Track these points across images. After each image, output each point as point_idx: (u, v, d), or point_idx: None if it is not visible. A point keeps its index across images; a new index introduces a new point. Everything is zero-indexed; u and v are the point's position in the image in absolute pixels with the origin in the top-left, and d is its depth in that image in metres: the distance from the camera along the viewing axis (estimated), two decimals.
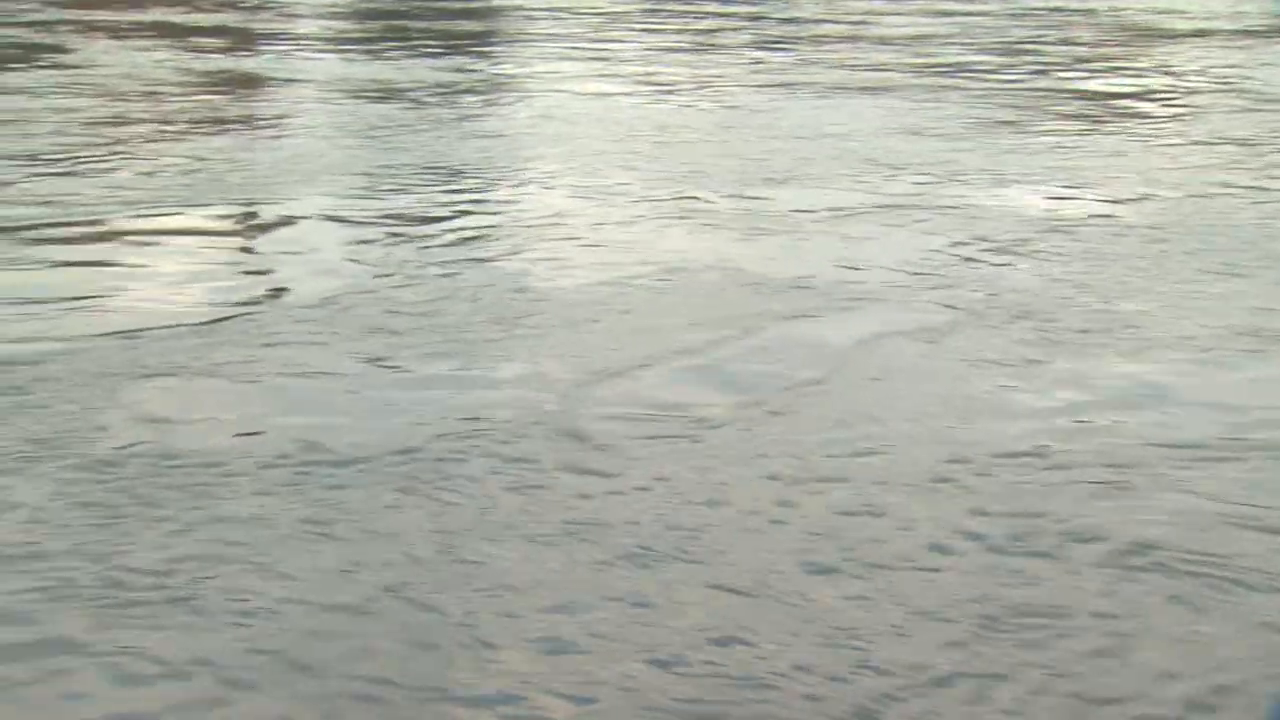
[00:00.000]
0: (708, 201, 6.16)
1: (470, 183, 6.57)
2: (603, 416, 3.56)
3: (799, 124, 8.22)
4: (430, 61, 10.86)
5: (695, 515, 3.02)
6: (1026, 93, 9.79)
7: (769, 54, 11.86)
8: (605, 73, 10.57)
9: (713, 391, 3.78)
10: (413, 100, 8.85)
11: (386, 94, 9.06)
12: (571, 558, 2.81)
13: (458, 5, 15.79)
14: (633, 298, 4.66)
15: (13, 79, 8.74)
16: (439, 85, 9.54)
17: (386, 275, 4.88)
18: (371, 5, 15.99)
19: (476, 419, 3.52)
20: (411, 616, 2.57)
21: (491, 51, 12.18)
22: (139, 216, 5.71)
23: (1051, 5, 16.83)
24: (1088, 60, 11.90)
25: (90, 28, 11.49)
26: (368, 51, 11.75)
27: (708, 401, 3.69)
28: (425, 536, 2.88)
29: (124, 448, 3.29)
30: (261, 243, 5.53)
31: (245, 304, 4.55)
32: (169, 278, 4.88)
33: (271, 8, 15.05)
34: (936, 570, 2.78)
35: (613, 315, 4.46)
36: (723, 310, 4.52)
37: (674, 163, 7.00)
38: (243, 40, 12.28)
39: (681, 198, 6.21)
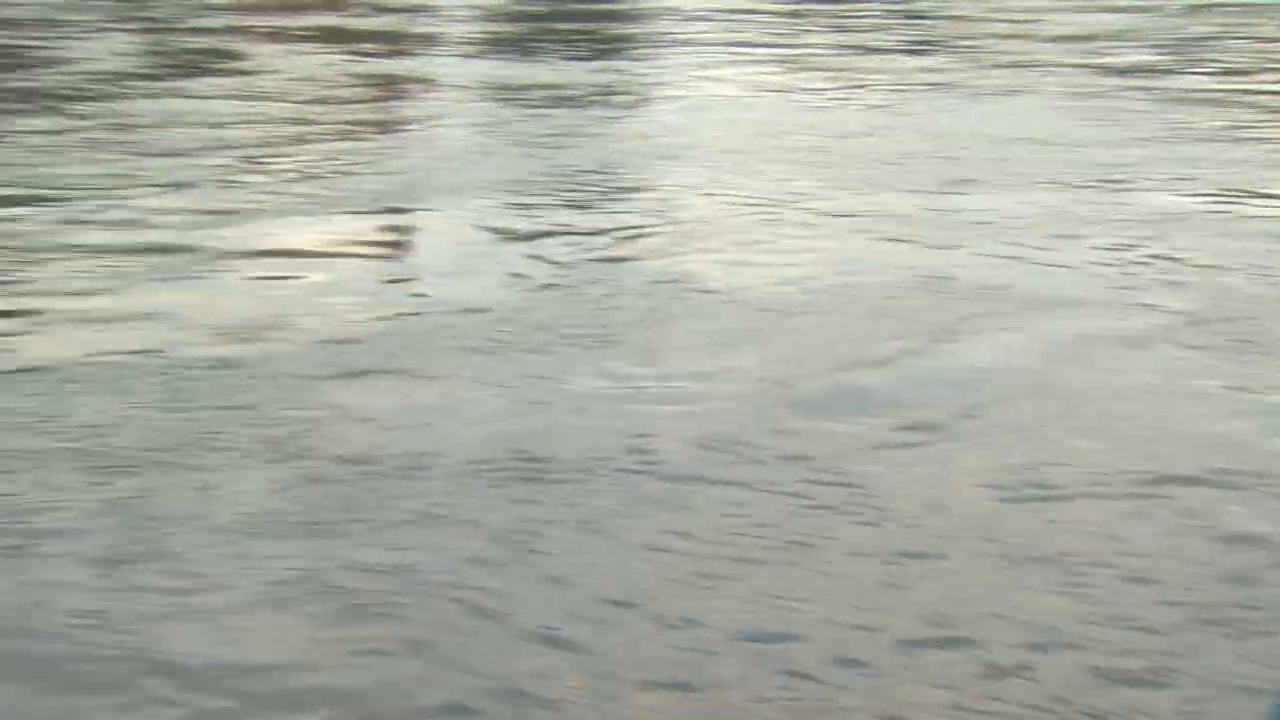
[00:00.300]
0: (888, 204, 6.06)
1: (637, 186, 6.58)
2: (801, 427, 3.51)
3: (974, 126, 8.04)
4: (585, 64, 10.92)
5: (906, 529, 2.95)
6: (1211, 94, 9.45)
7: (936, 55, 11.65)
8: (765, 74, 10.50)
9: (910, 400, 3.71)
10: (572, 103, 8.90)
11: (547, 97, 9.13)
12: (789, 574, 2.76)
13: (607, 8, 15.87)
14: (820, 303, 4.60)
15: (196, 85, 9.04)
16: (596, 87, 9.59)
17: (562, 279, 4.89)
18: (523, 9, 16.16)
19: (670, 427, 3.49)
20: (625, 634, 2.53)
21: (645, 54, 12.20)
22: (320, 219, 5.84)
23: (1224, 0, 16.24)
24: (1276, 58, 11.44)
25: (258, 33, 11.84)
26: (524, 54, 11.87)
27: (906, 411, 3.62)
28: (633, 549, 2.85)
29: (331, 449, 3.34)
30: (432, 246, 5.59)
31: (424, 308, 4.60)
32: (346, 281, 4.98)
33: (424, 11, 15.30)
34: (1159, 583, 2.69)
35: (801, 321, 4.40)
36: (915, 316, 4.43)
37: (848, 165, 6.91)
38: (401, 44, 12.52)
39: (861, 201, 6.12)
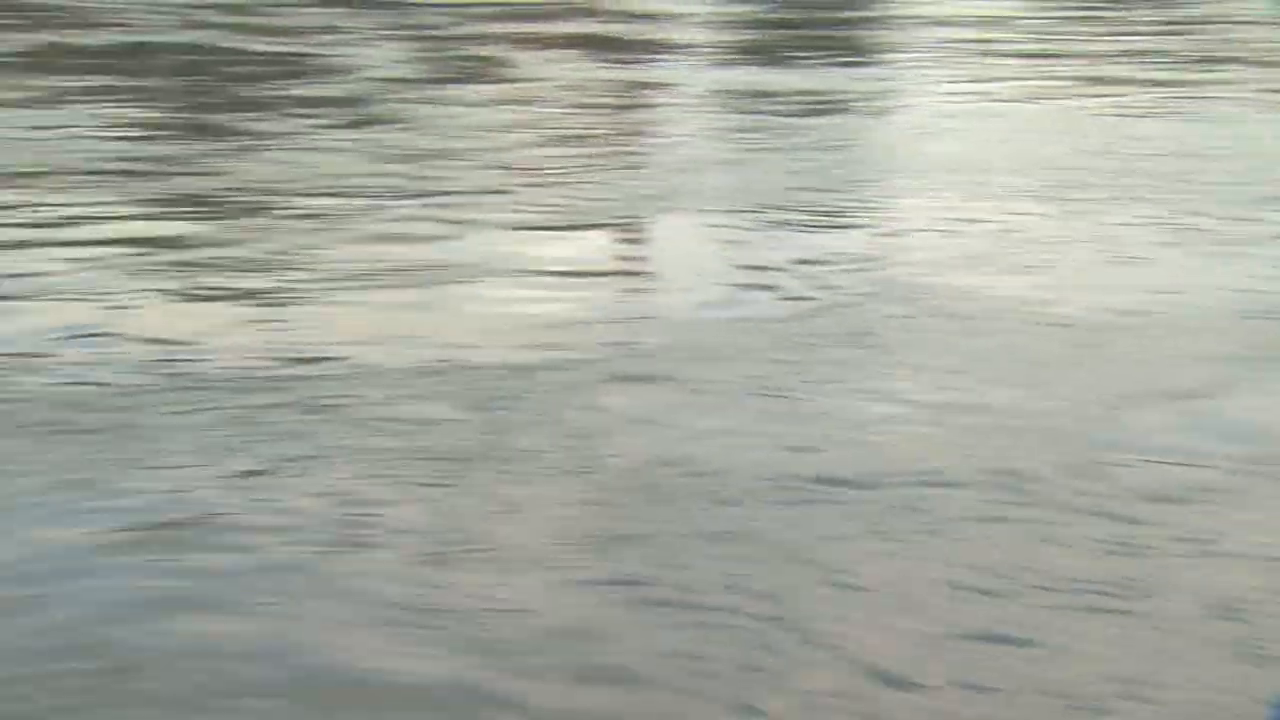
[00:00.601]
0: (1182, 221, 5.74)
1: (893, 196, 6.44)
2: (1108, 459, 3.33)
3: (1273, 141, 7.56)
4: (833, 71, 10.77)
5: (1235, 581, 2.76)
6: None
7: (1222, 64, 11.02)
8: (1027, 83, 10.16)
9: (1228, 438, 3.48)
10: (820, 110, 8.80)
11: (795, 105, 9.04)
12: (1107, 629, 2.59)
13: (855, 15, 15.65)
14: (1129, 324, 4.37)
15: (466, 92, 9.32)
16: (846, 94, 9.44)
17: (825, 294, 4.81)
18: (767, 16, 16.10)
19: (964, 452, 3.36)
20: (919, 676, 2.43)
21: (895, 60, 11.97)
22: (582, 229, 5.93)
23: None
24: None
25: (518, 40, 12.14)
26: (771, 61, 11.80)
27: (1224, 448, 3.40)
28: (931, 582, 2.74)
29: (624, 459, 3.36)
30: (687, 256, 5.57)
31: (690, 319, 4.58)
32: (613, 289, 5.05)
33: (671, 18, 15.40)
34: None
35: (1115, 345, 4.18)
36: (1241, 341, 4.17)
37: (1145, 178, 6.58)
38: (651, 50, 12.62)
39: (1145, 215, 5.83)
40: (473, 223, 5.85)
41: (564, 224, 5.92)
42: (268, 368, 4.00)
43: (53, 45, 10.54)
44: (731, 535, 2.95)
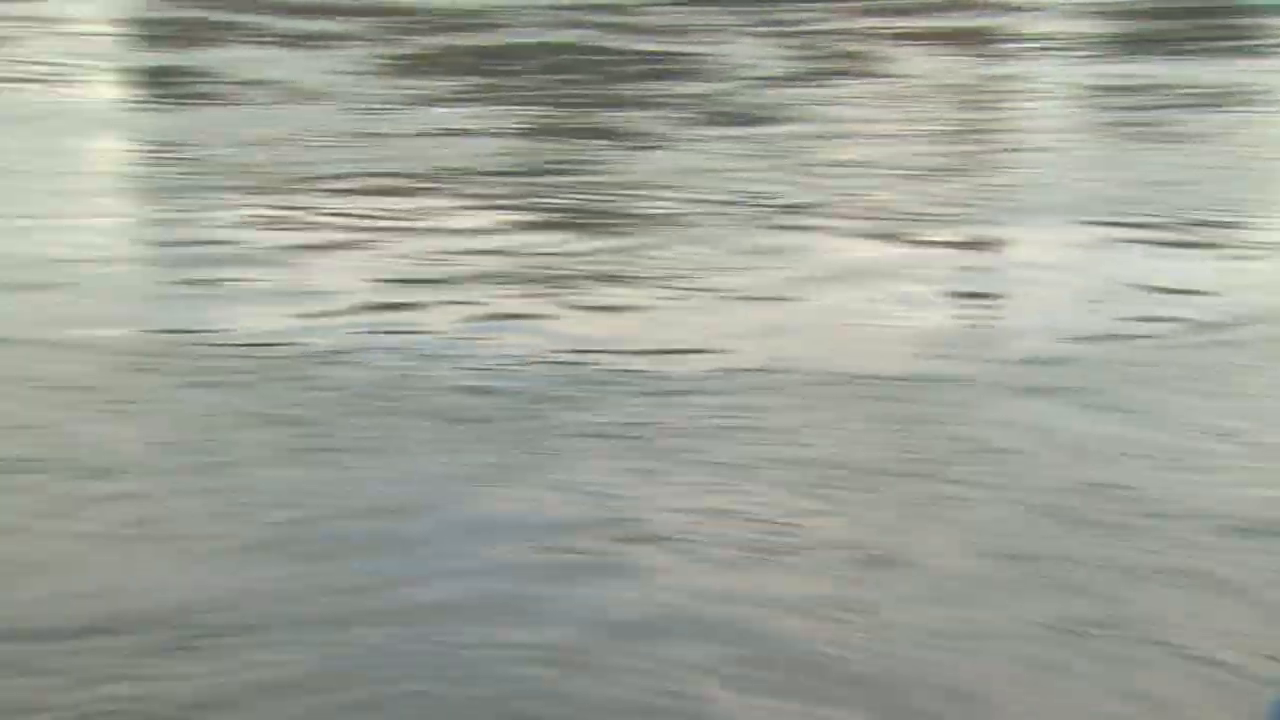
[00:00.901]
0: None
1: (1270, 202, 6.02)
2: None
3: None
4: (1233, 63, 10.13)
5: None
6: None
7: None
8: None
9: None
10: (1220, 105, 8.31)
11: (1195, 99, 8.56)
12: None
13: (1215, 4, 14.62)
14: None
15: (839, 90, 9.32)
16: (1216, 89, 8.85)
17: (1238, 306, 4.57)
18: (1144, 5, 15.28)
19: None
20: None
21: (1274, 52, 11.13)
22: (946, 235, 5.85)
23: None
24: None
25: (885, 34, 12.04)
26: (1141, 53, 11.20)
27: None
28: None
29: (1044, 479, 3.27)
30: (1082, 263, 5.36)
31: (1081, 328, 4.42)
32: (995, 299, 4.94)
33: (1038, 10, 14.86)
34: None
35: None
36: None
37: None
38: (1026, 44, 12.25)
39: None
40: (842, 228, 5.84)
41: (936, 230, 5.86)
42: (657, 372, 4.04)
43: (448, 47, 11.28)
44: (1167, 573, 2.82)
